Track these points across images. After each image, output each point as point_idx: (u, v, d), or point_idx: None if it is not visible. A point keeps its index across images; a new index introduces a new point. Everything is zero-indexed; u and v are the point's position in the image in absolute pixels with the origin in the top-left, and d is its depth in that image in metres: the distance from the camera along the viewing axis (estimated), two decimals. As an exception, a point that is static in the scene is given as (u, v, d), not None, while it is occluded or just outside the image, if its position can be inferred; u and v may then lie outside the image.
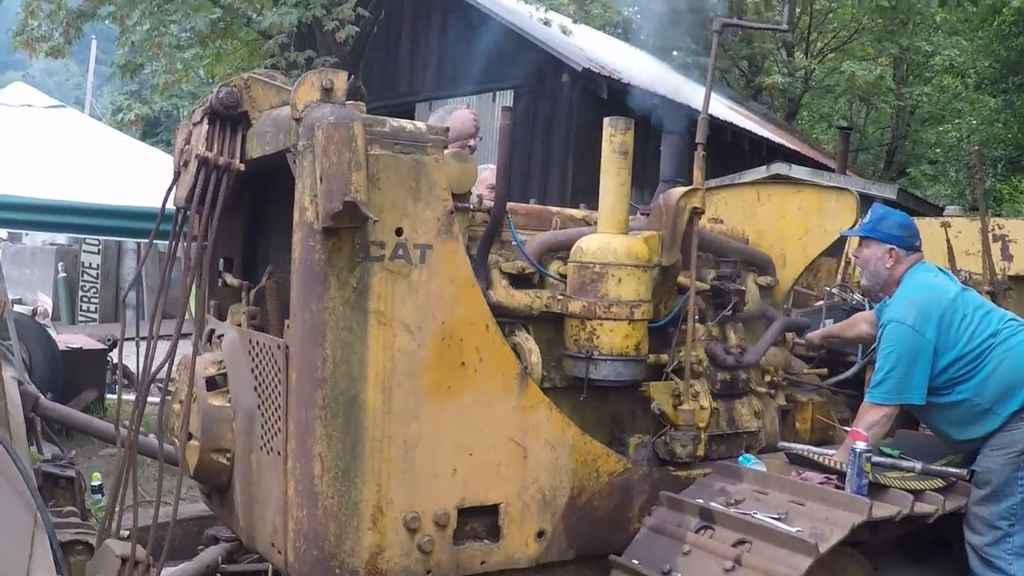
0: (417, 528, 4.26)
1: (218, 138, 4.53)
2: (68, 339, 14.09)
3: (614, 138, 4.99)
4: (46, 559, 3.62)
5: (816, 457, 5.20)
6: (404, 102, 20.51)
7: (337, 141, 3.84)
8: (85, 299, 26.59)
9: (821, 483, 4.90)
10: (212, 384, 4.83)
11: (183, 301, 4.63)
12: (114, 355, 12.73)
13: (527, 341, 4.85)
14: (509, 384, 4.51)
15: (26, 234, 31.37)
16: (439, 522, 4.32)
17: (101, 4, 16.81)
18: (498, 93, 19.03)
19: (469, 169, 4.55)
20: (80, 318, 26.22)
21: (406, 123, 4.23)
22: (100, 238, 24.14)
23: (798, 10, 31.18)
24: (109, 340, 13.42)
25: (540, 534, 4.65)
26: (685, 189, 5.24)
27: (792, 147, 24.80)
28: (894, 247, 5.43)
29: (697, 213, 5.22)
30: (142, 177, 10.97)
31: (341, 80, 4.11)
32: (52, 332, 14.35)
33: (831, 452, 5.31)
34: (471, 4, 20.22)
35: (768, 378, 6.03)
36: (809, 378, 6.48)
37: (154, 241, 5.22)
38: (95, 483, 8.30)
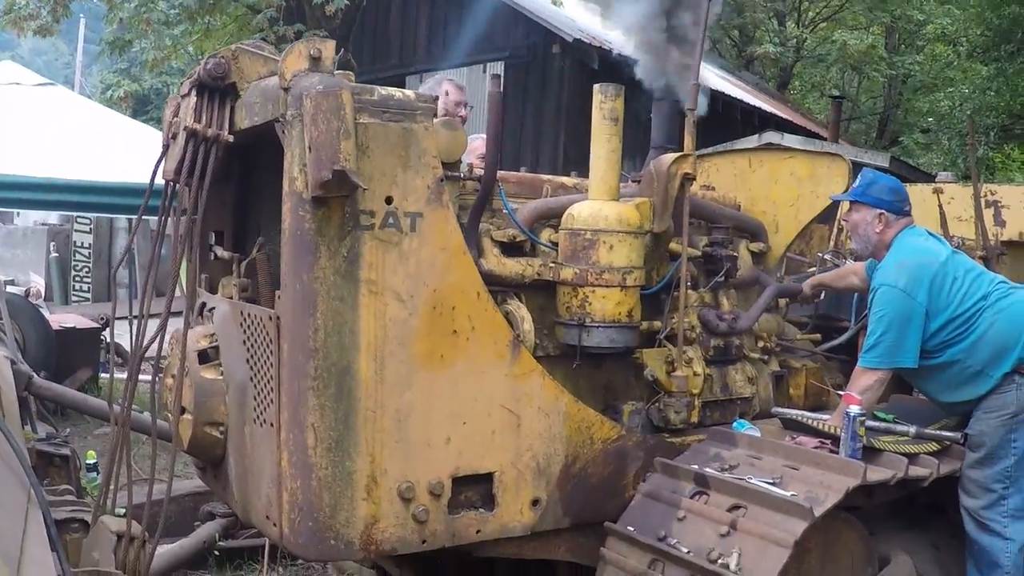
0: (412, 498, 4.26)
1: (206, 110, 4.50)
2: (61, 319, 14.13)
3: (604, 105, 4.97)
4: (40, 535, 3.61)
5: (810, 422, 5.21)
6: (394, 75, 20.46)
7: (326, 110, 3.82)
8: (78, 279, 26.52)
9: (815, 447, 4.91)
10: (204, 357, 4.81)
11: (173, 275, 4.61)
12: (108, 334, 12.74)
13: (519, 309, 4.84)
14: (502, 352, 4.50)
15: (17, 214, 31.37)
16: (433, 491, 4.32)
17: (89, -19, 16.78)
18: (489, 65, 18.98)
19: (459, 138, 4.54)
20: (73, 298, 26.16)
21: (395, 91, 4.20)
22: (91, 216, 24.10)
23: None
24: (102, 319, 13.43)
25: (535, 502, 4.65)
26: (676, 155, 5.22)
27: (784, 116, 24.77)
28: (883, 211, 5.42)
29: (688, 179, 5.20)
30: (133, 153, 10.97)
31: (329, 49, 4.08)
32: (45, 312, 14.36)
33: (825, 417, 5.31)
34: (461, -25, 20.16)
35: (761, 344, 6.02)
36: (802, 344, 6.48)
37: (145, 217, 5.21)
38: (90, 461, 8.33)
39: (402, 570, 5.57)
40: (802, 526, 4.22)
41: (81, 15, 42.39)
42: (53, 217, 28.97)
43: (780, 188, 6.51)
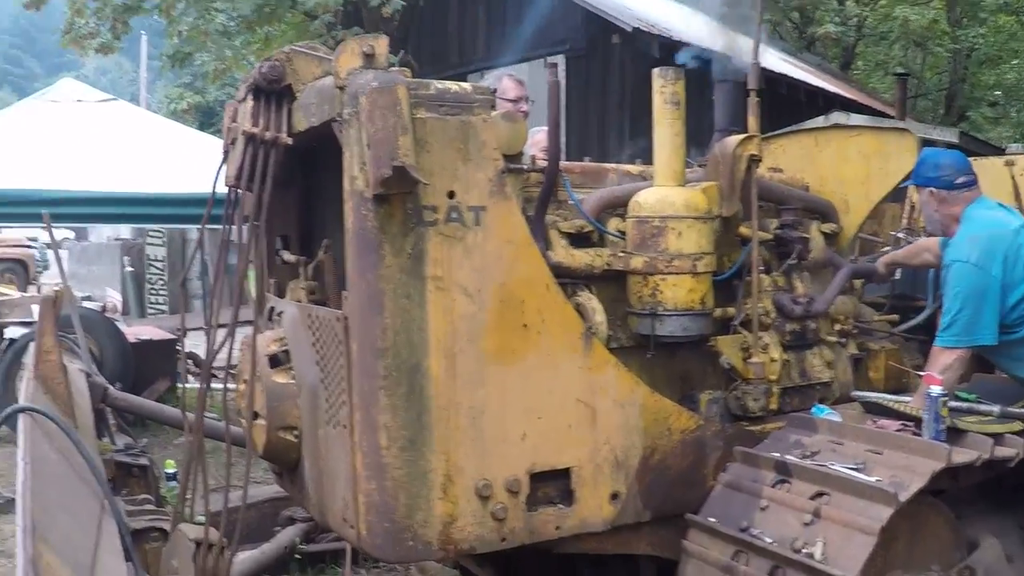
0: (489, 496, 4.21)
1: (263, 113, 4.50)
2: (138, 331, 14.39)
3: (664, 89, 4.90)
4: (114, 544, 3.62)
5: (891, 405, 5.09)
6: (455, 73, 20.45)
7: (382, 106, 3.79)
8: (153, 292, 26.99)
9: (898, 431, 4.79)
10: (275, 361, 4.80)
11: (238, 281, 4.61)
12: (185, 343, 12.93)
13: (590, 300, 4.78)
14: (574, 344, 4.44)
15: (91, 229, 31.89)
16: (511, 488, 4.27)
17: (146, -3, 16.89)
18: (549, 59, 18.91)
19: (519, 129, 4.47)
20: (150, 310, 26.59)
21: (451, 85, 4.17)
22: (163, 229, 24.45)
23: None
24: (178, 330, 13.58)
25: (614, 496, 4.58)
26: (741, 137, 5.13)
27: (849, 96, 24.45)
28: (932, 189, 5.33)
29: (755, 161, 5.11)
30: (200, 164, 11.05)
31: (383, 45, 4.04)
32: (122, 326, 14.55)
33: (907, 399, 5.20)
34: (516, -29, 20.12)
35: (838, 327, 5.89)
36: (880, 325, 6.34)
37: (211, 225, 5.22)
38: (169, 470, 8.39)
39: (483, 569, 5.53)
40: (887, 512, 4.12)
41: (142, 32, 43.00)
42: (126, 232, 29.47)
43: (849, 167, 6.38)
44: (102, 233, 33.24)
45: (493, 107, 4.26)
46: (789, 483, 4.58)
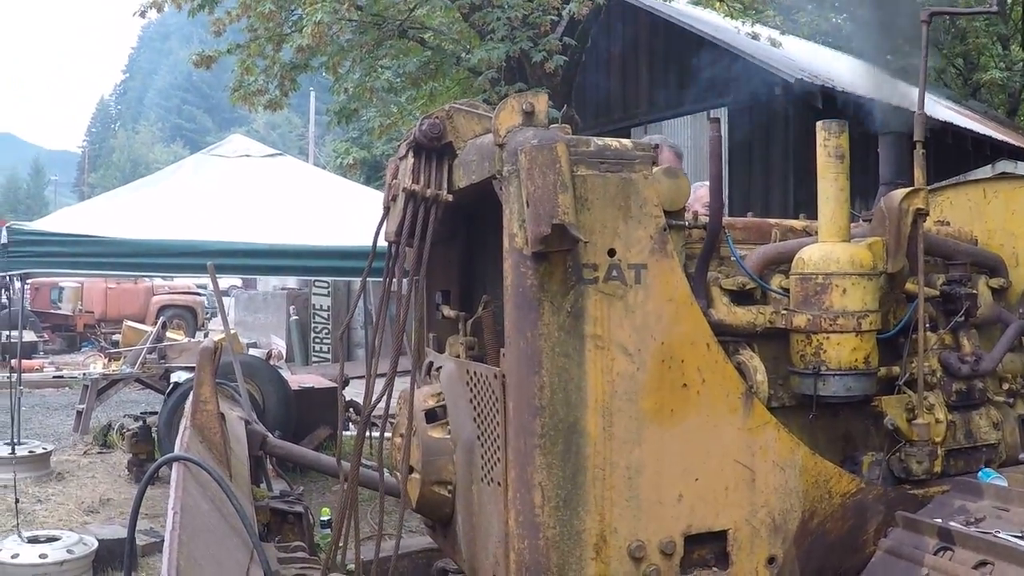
0: (642, 557, 4.13)
1: (424, 170, 4.54)
2: (301, 379, 14.60)
3: (828, 142, 4.80)
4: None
5: (1063, 469, 4.91)
6: (619, 128, 20.52)
7: (541, 164, 3.78)
8: (317, 340, 27.47)
9: (1068, 497, 4.61)
10: (432, 416, 4.83)
11: (397, 335, 4.64)
12: (346, 393, 13.13)
13: (752, 359, 4.71)
14: (734, 405, 4.36)
15: (259, 278, 32.67)
16: (665, 550, 4.18)
17: (312, 55, 17.19)
18: (712, 111, 18.85)
19: (682, 185, 4.42)
20: (314, 358, 27.06)
21: (612, 141, 4.14)
22: (328, 280, 24.86)
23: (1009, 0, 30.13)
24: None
25: (771, 560, 4.47)
26: (907, 190, 5.01)
27: (1017, 144, 23.89)
28: None
29: (921, 215, 4.99)
30: (365, 218, 11.20)
31: (542, 103, 4.04)
32: (286, 373, 14.79)
33: (1079, 462, 5.01)
34: (677, 24, 20.17)
35: (1006, 386, 5.71)
36: (1050, 383, 6.13)
37: (374, 278, 5.27)
38: (324, 518, 8.47)
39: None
40: (1055, 583, 3.95)
41: (311, 88, 44.07)
42: (292, 282, 30.11)
43: (1018, 219, 6.21)
44: (269, 282, 34.02)
45: (654, 163, 4.22)
46: (952, 551, 4.41)
